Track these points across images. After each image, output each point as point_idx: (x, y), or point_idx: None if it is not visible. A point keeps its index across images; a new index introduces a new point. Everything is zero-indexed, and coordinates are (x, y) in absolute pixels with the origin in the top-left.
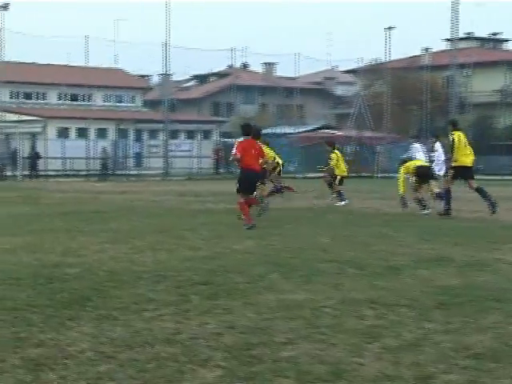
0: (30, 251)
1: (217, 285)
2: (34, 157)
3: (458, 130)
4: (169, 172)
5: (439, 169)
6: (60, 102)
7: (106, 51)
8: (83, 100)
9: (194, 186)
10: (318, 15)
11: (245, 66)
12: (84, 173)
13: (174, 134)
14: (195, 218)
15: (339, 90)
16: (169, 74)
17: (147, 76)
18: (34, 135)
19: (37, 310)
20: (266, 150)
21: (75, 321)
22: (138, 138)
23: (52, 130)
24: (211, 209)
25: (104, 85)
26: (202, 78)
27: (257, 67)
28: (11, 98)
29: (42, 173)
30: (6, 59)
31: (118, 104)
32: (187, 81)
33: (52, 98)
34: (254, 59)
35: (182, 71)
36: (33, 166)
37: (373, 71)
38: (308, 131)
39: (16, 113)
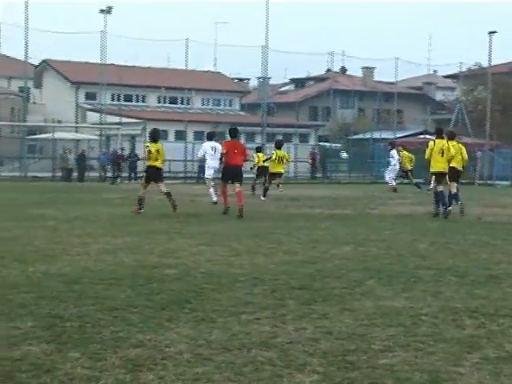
0: (129, 252)
1: (313, 290)
2: (134, 159)
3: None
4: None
5: (391, 177)
6: (159, 104)
7: (205, 54)
8: (182, 103)
9: (290, 190)
10: (418, 18)
11: (343, 70)
12: (182, 175)
13: (270, 138)
14: (291, 222)
15: (439, 95)
16: (267, 78)
17: (245, 79)
18: (133, 137)
19: (136, 311)
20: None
21: (173, 322)
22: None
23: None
24: (307, 213)
25: (203, 88)
26: (299, 82)
27: (355, 71)
28: (112, 100)
29: (141, 175)
30: (108, 62)
31: (215, 107)
32: (284, 84)
33: (151, 100)
34: (352, 63)
35: (279, 75)
36: (132, 168)
37: (474, 76)
38: (407, 136)
39: (117, 115)
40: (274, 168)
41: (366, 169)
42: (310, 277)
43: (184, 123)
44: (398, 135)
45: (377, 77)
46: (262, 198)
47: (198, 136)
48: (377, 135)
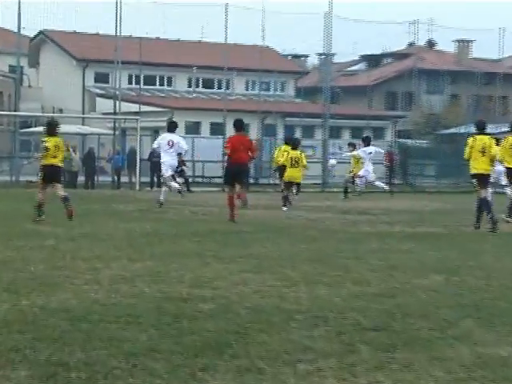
0: (151, 280)
1: (392, 332)
2: (156, 159)
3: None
4: (328, 181)
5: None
6: (190, 88)
7: (250, 24)
8: (219, 87)
9: (360, 201)
10: None
11: (430, 44)
12: (219, 180)
13: (335, 132)
14: (362, 243)
15: None
16: (330, 55)
17: (302, 56)
18: (156, 131)
19: (161, 357)
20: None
21: (209, 372)
22: (291, 135)
23: (179, 125)
24: (384, 231)
25: (247, 67)
26: (373, 60)
27: (446, 46)
28: (130, 82)
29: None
30: (125, 34)
31: (263, 92)
32: (354, 63)
33: (180, 83)
34: (442, 35)
35: (347, 51)
36: (154, 171)
37: None
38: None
39: (136, 102)
40: (288, 173)
41: (460, 174)
42: (386, 315)
43: (222, 113)
44: (502, 129)
45: (475, 53)
46: (284, 209)
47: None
48: (474, 129)
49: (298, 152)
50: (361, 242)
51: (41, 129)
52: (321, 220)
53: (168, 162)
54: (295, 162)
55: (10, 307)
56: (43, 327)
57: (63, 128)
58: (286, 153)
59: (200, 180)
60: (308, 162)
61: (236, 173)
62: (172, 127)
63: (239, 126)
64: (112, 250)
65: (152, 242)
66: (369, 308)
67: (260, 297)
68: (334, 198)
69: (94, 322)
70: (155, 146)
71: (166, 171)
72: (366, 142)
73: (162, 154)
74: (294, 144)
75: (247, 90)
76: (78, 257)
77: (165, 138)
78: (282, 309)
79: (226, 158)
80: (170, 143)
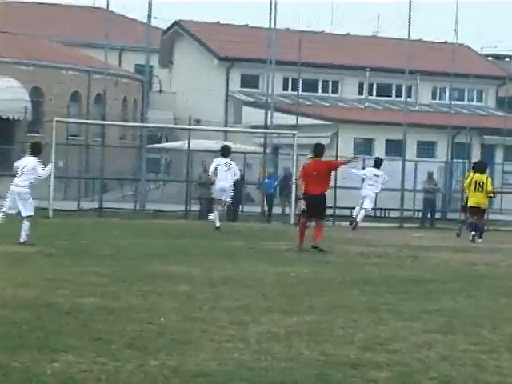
0: (311, 340)
1: None
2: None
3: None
4: None
5: None
6: (361, 96)
7: (438, 15)
8: (399, 94)
9: None
10: None
11: None
12: (395, 214)
13: None
14: None
15: None
16: None
17: (506, 57)
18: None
19: None
20: None
21: None
22: (490, 158)
23: (346, 142)
24: None
25: (434, 71)
26: None
27: None
28: (285, 88)
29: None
30: (279, 26)
31: (455, 103)
32: None
33: (349, 90)
34: None
35: None
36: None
37: None
38: None
39: (291, 113)
40: (472, 198)
41: None
42: None
43: (402, 128)
44: None
45: None
46: (479, 241)
47: (423, 150)
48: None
49: (485, 176)
50: None
51: (174, 144)
52: None
53: (221, 185)
54: (479, 187)
55: (135, 368)
56: None
57: (202, 143)
58: (471, 174)
59: (372, 213)
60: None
61: (310, 206)
62: (225, 152)
63: (319, 151)
64: (261, 299)
65: (311, 291)
66: None
67: (450, 364)
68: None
69: None
70: (212, 169)
71: (216, 194)
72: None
73: (217, 177)
74: (481, 167)
75: (434, 99)
76: (218, 307)
77: (221, 160)
78: (479, 380)
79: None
80: (228, 166)
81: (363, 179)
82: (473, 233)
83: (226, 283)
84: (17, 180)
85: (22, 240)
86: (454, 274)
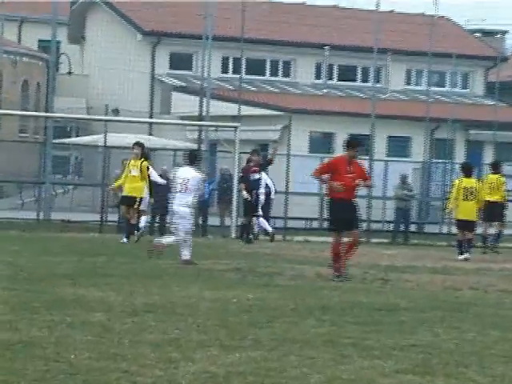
0: (260, 381)
1: None
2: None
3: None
4: None
5: None
6: (319, 81)
7: None
8: (365, 79)
9: None
10: None
11: None
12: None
13: None
14: None
15: None
16: None
17: (498, 33)
18: (263, 146)
19: None
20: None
21: None
22: (476, 157)
23: (300, 137)
24: None
25: (409, 49)
26: None
27: None
28: (224, 71)
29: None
30: None
31: (434, 89)
32: None
33: (304, 73)
34: None
35: None
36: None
37: None
38: None
39: (232, 101)
40: (461, 209)
41: None
42: None
43: (369, 120)
44: None
45: None
46: (460, 257)
47: (395, 147)
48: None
49: (473, 181)
50: None
51: (87, 139)
52: None
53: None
54: (469, 194)
55: None
56: None
57: (122, 139)
58: (457, 181)
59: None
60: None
61: (342, 215)
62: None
63: (357, 145)
64: (195, 331)
65: (257, 321)
66: None
67: None
68: None
69: None
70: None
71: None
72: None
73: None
74: (466, 169)
75: (409, 84)
76: (142, 341)
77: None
78: None
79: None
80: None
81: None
82: (465, 255)
83: (151, 311)
84: None
85: None
86: (432, 301)
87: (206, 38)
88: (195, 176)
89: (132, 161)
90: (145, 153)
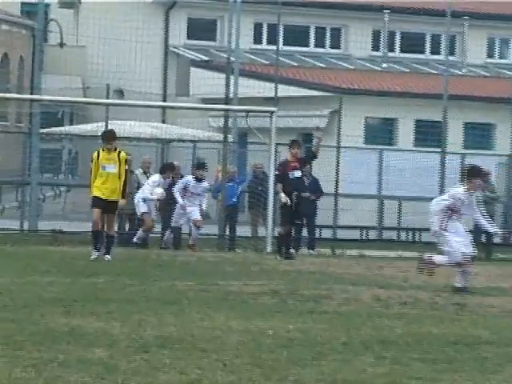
0: None
1: None
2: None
3: None
4: None
5: None
6: (375, 53)
7: None
8: (434, 51)
9: None
10: None
11: None
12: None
13: None
14: None
15: None
16: None
17: None
18: (306, 136)
19: None
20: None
21: None
22: None
23: (353, 125)
24: None
25: (489, 13)
26: None
27: None
28: (257, 41)
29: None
30: None
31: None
32: None
33: (357, 42)
34: None
35: None
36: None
37: None
38: None
39: (269, 80)
40: None
41: None
42: None
43: (440, 103)
44: None
45: None
46: None
47: (474, 137)
48: None
49: None
50: None
51: (84, 127)
52: None
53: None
54: None
55: None
56: None
57: (125, 128)
58: None
59: (396, 235)
60: None
61: None
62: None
63: None
64: (220, 370)
65: (299, 358)
66: None
67: None
68: None
69: None
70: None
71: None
72: None
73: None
74: None
75: (491, 56)
76: (153, 383)
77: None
78: None
79: None
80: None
81: None
82: None
83: (165, 346)
84: None
85: None
86: None
87: (233, 0)
88: None
89: (104, 153)
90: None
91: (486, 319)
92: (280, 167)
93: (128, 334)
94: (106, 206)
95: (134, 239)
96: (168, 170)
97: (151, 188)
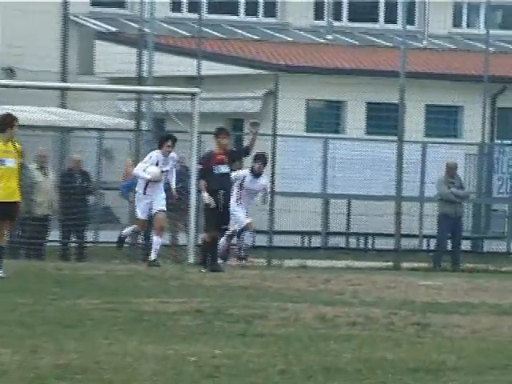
0: None
1: None
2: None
3: None
4: None
5: None
6: (318, 22)
7: None
8: (388, 20)
9: None
10: None
11: None
12: (384, 244)
13: None
14: None
15: None
16: None
17: None
18: (237, 122)
19: None
20: None
21: None
22: None
23: (292, 109)
24: None
25: None
26: None
27: None
28: (174, 9)
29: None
30: None
31: (493, 32)
32: None
33: (297, 9)
34: None
35: None
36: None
37: None
38: None
39: (190, 55)
40: None
41: None
42: None
43: (396, 81)
44: None
45: None
46: None
47: (437, 123)
48: None
49: None
50: None
51: None
52: None
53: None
54: None
55: None
56: None
57: (16, 114)
58: None
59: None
60: None
61: None
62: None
63: None
64: None
65: None
66: None
67: None
68: None
69: None
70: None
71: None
72: None
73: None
74: None
75: (458, 26)
76: None
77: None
78: None
79: None
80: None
81: None
82: None
83: (66, 377)
84: None
85: None
86: (495, 357)
87: None
88: None
89: (0, 144)
90: None
91: (452, 342)
92: (203, 160)
93: (20, 363)
94: (5, 210)
95: (122, 233)
96: (164, 143)
97: (144, 166)
